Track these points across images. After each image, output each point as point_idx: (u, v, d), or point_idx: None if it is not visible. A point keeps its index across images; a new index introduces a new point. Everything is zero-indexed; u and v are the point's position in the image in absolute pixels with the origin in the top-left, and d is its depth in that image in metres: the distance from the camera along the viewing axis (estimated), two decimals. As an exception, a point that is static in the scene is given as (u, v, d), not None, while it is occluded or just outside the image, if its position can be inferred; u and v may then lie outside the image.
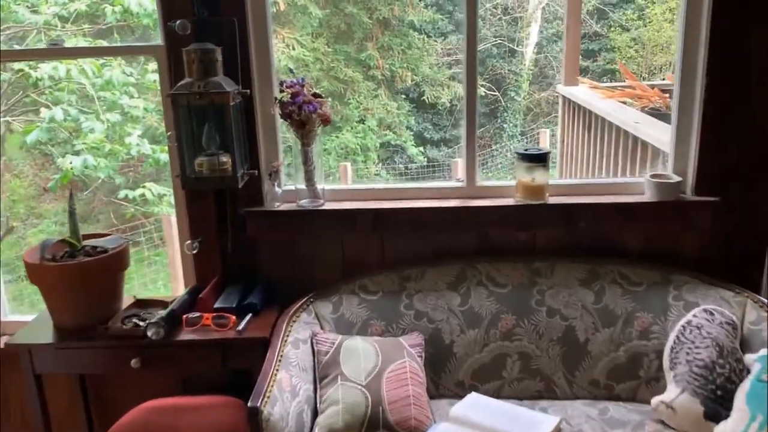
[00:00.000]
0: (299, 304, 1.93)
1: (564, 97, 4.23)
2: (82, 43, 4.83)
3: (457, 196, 2.06)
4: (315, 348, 1.82)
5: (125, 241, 2.00)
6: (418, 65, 10.87)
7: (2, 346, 2.09)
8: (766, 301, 1.82)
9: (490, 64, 11.62)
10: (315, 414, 1.72)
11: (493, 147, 11.62)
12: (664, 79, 12.72)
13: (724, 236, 2.01)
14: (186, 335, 1.86)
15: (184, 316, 1.89)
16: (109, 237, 2.03)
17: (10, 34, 4.79)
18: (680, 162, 1.99)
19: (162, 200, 4.82)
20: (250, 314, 1.93)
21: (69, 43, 4.76)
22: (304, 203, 2.05)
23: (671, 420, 1.69)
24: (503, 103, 11.99)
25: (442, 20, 11.38)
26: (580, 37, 4.15)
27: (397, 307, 1.96)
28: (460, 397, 1.82)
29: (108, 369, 2.01)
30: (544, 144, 10.95)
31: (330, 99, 10.24)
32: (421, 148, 11.27)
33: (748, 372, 1.67)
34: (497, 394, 1.86)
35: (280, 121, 2.01)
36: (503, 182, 2.08)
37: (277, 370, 1.67)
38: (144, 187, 4.62)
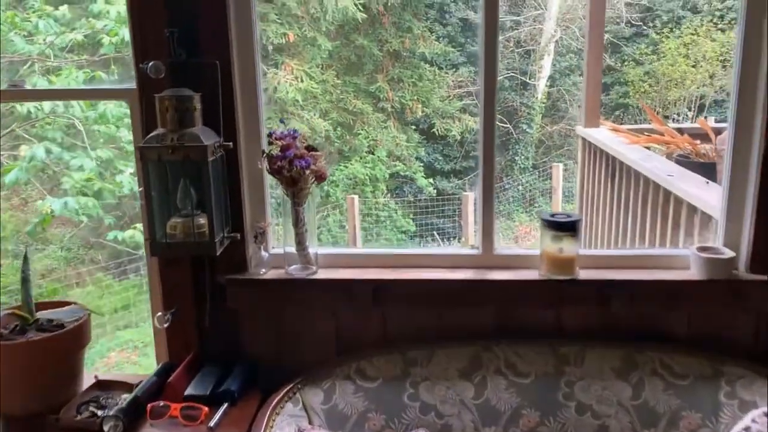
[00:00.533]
0: (284, 391, 1.64)
1: (584, 140, 3.97)
2: (80, 75, 4.66)
3: (472, 265, 1.78)
4: (300, 450, 1.53)
5: (85, 312, 1.73)
6: (429, 98, 10.71)
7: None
8: (841, 404, 1.52)
9: (502, 97, 11.46)
10: None
11: (504, 180, 11.39)
12: (679, 116, 12.53)
13: (785, 321, 1.71)
14: (149, 430, 1.58)
15: (149, 405, 1.61)
16: (67, 308, 1.76)
17: (5, 65, 4.62)
18: (732, 231, 1.71)
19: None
20: (226, 404, 1.64)
21: (64, 74, 4.57)
22: (294, 270, 1.78)
23: None
24: (515, 136, 11.78)
25: (453, 52, 11.25)
26: (601, 78, 3.91)
27: (400, 397, 1.67)
28: None
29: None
30: (557, 179, 10.73)
31: (339, 128, 10.12)
32: (431, 180, 11.06)
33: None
34: None
35: (268, 176, 1.75)
36: (525, 251, 1.80)
37: (252, 484, 1.38)
38: (135, 228, 4.35)
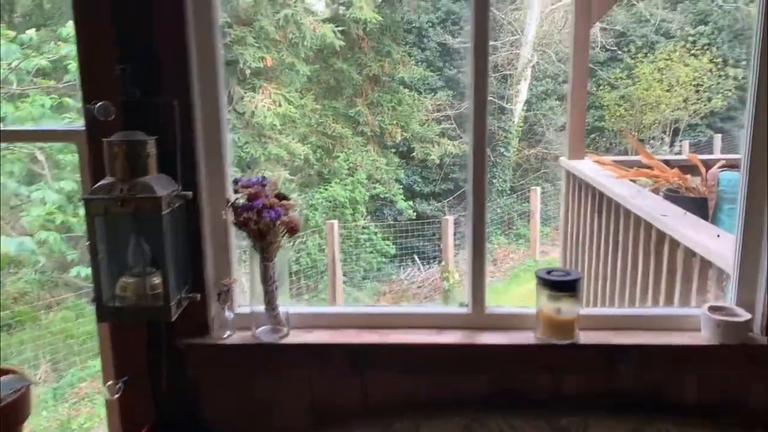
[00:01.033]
0: (250, 475, 1.44)
1: (568, 172, 3.84)
2: (47, 102, 4.43)
3: (461, 326, 1.61)
4: None
5: (24, 384, 1.52)
6: (408, 122, 10.63)
7: None
8: None
9: (480, 122, 11.40)
10: None
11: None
12: (654, 139, 12.59)
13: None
14: None
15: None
16: (6, 378, 1.55)
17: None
18: (746, 288, 1.56)
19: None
20: (183, 491, 1.44)
21: (29, 101, 4.36)
22: (263, 333, 1.59)
23: None
24: (492, 159, 11.73)
25: (432, 76, 11.21)
26: (585, 108, 3.80)
27: (382, 478, 1.48)
28: None
29: None
30: (535, 203, 10.67)
31: (318, 151, 9.93)
32: (411, 202, 10.94)
33: None
34: None
35: (234, 228, 1.56)
36: (519, 309, 1.62)
37: None
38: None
